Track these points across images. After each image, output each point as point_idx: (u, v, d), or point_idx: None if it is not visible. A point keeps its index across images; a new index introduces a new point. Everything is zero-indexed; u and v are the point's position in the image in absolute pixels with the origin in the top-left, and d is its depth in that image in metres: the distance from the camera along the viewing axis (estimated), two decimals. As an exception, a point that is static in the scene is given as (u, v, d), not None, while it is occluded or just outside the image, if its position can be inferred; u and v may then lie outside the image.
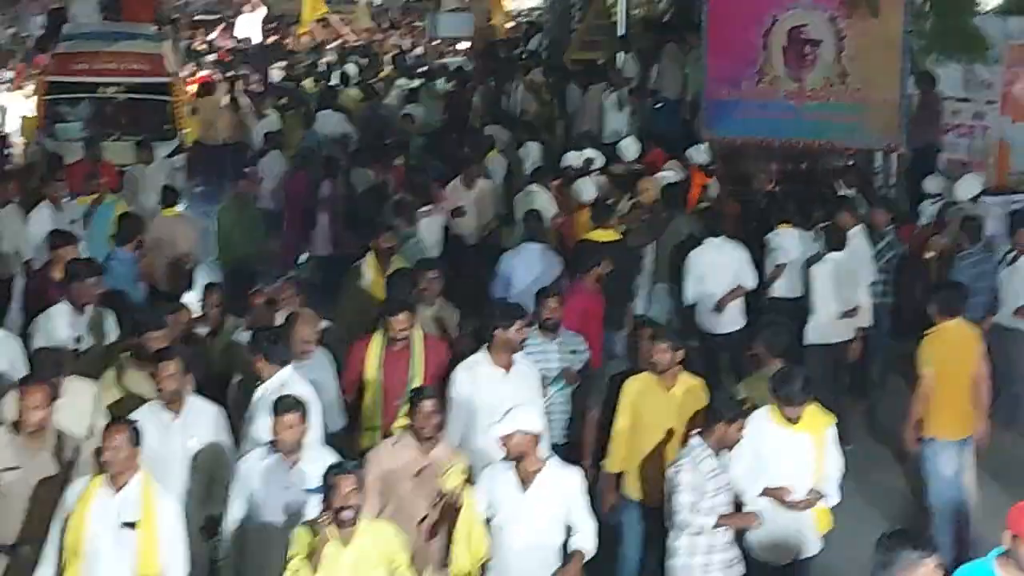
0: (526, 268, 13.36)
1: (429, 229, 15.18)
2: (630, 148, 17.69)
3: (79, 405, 9.46)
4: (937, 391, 10.76)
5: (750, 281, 13.70)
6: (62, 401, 9.08)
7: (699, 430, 8.95)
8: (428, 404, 8.75)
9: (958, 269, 13.37)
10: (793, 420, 9.19)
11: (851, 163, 17.91)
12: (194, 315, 11.68)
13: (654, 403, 9.84)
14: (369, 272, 12.63)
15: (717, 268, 13.55)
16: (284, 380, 9.29)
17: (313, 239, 17.18)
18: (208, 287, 12.17)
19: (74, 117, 20.81)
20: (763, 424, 9.22)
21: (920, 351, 10.94)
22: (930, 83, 18.17)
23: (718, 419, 8.86)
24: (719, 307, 13.47)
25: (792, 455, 9.19)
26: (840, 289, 13.14)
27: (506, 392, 9.64)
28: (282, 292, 11.53)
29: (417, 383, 10.04)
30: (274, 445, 8.48)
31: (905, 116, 17.30)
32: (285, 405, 8.45)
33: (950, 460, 10.72)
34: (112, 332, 11.37)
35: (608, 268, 12.50)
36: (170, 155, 19.70)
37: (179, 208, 16.13)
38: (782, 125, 17.70)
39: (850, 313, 13.19)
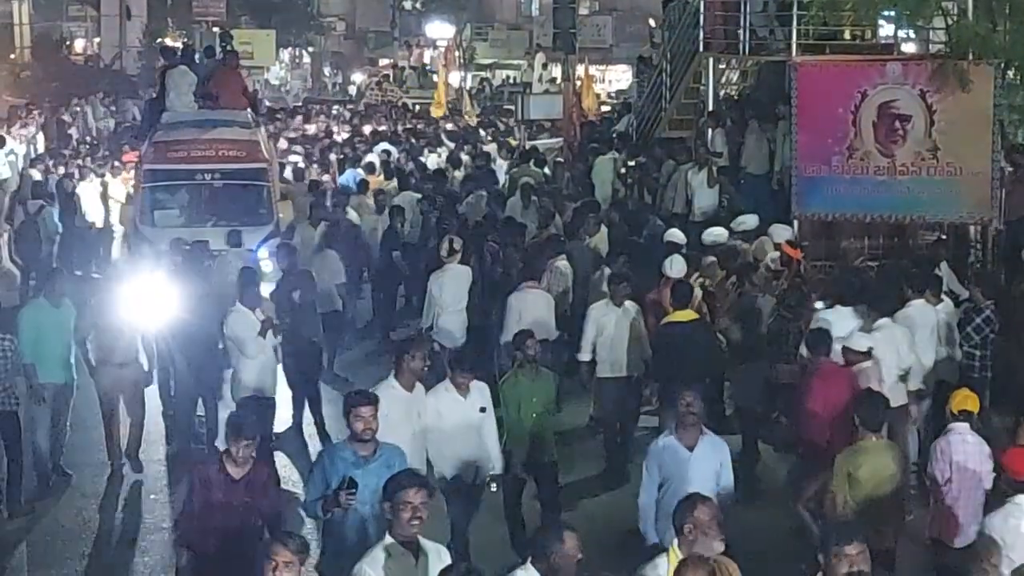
0: None
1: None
2: (749, 221, 17.61)
3: None
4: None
5: None
6: None
7: None
8: None
9: None
10: None
11: (943, 237, 17.81)
12: None
13: None
14: None
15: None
16: None
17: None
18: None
19: (172, 204, 21.13)
20: None
21: None
22: (1022, 156, 18.01)
23: None
24: None
25: None
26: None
27: None
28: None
29: None
30: None
31: (997, 189, 17.20)
32: None
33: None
34: None
35: None
36: (265, 239, 19.99)
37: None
38: (874, 201, 17.67)
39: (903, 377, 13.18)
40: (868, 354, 12.41)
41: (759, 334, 14.37)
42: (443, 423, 11.29)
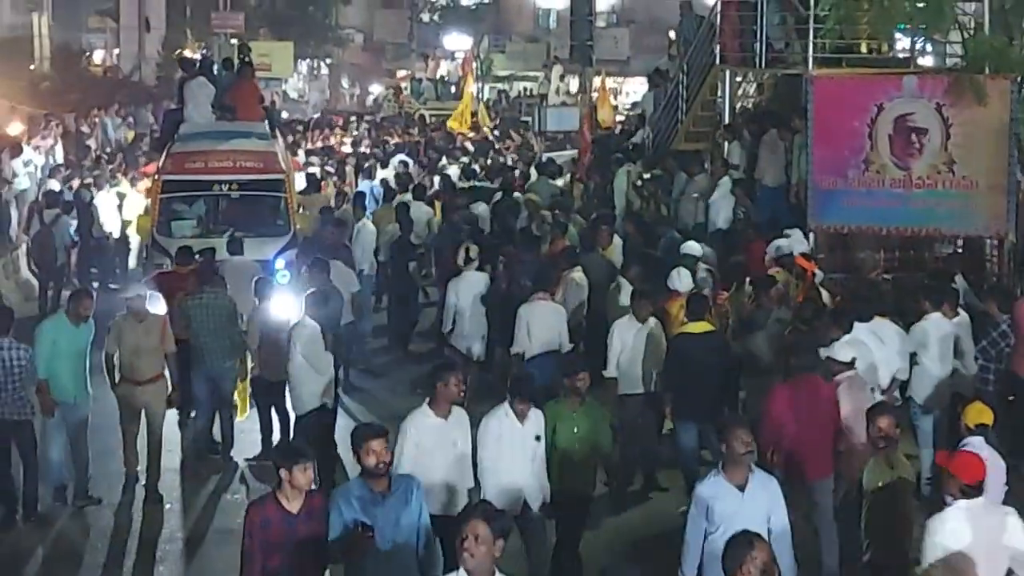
0: None
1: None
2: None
3: None
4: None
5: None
6: None
7: None
8: None
9: None
10: None
11: (959, 250, 17.80)
12: None
13: None
14: None
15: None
16: None
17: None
18: None
19: (189, 215, 21.13)
20: None
21: None
22: (1038, 170, 18.00)
23: None
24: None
25: None
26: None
27: None
28: None
29: None
30: None
31: (1013, 203, 17.19)
32: None
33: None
34: None
35: None
36: (283, 250, 20.02)
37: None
38: (889, 213, 17.68)
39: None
40: (851, 364, 12.39)
41: (774, 346, 14.36)
42: (501, 448, 10.91)
